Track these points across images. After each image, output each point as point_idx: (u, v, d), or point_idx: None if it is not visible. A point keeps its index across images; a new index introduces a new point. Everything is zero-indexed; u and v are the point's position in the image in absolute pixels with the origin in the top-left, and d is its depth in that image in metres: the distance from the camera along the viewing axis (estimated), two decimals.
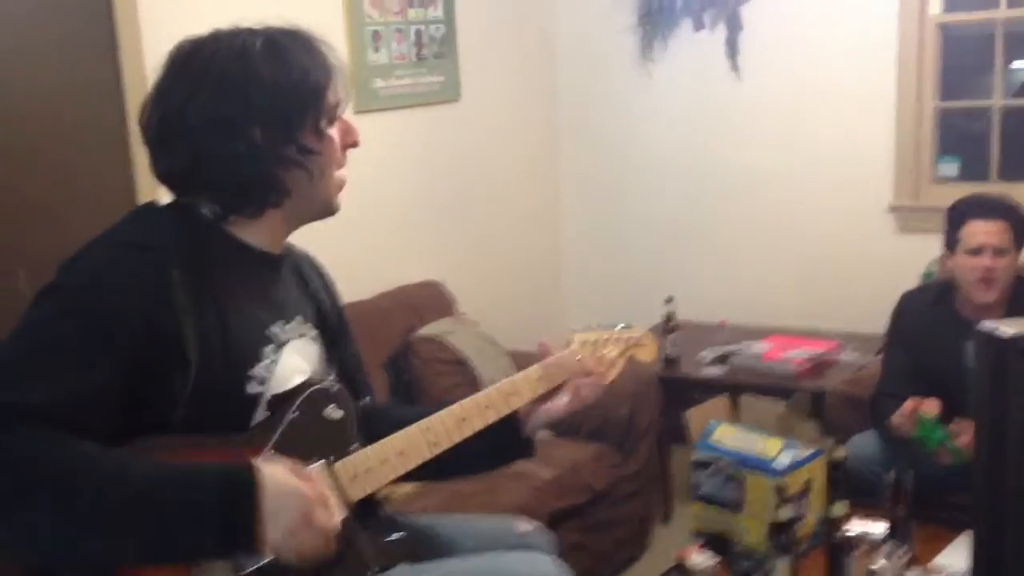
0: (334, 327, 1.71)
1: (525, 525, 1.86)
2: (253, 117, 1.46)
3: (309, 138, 1.50)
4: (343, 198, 1.60)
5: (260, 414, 1.48)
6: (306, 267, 1.73)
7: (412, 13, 3.71)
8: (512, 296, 4.27)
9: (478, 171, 4.12)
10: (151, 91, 1.52)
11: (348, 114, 1.60)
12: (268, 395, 1.49)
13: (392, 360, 3.30)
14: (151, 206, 1.53)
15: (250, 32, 1.51)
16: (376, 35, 3.57)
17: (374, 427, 1.62)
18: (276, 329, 1.54)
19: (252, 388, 1.47)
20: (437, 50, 3.83)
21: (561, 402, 1.74)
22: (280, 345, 1.52)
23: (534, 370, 1.72)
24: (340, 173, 1.58)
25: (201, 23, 1.52)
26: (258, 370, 1.48)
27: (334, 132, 1.55)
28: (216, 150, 1.46)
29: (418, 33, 3.74)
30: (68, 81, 2.70)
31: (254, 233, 1.54)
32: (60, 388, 1.28)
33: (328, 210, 1.59)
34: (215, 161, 1.47)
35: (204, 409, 1.40)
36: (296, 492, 1.34)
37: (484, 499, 2.79)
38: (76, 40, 2.71)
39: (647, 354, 1.89)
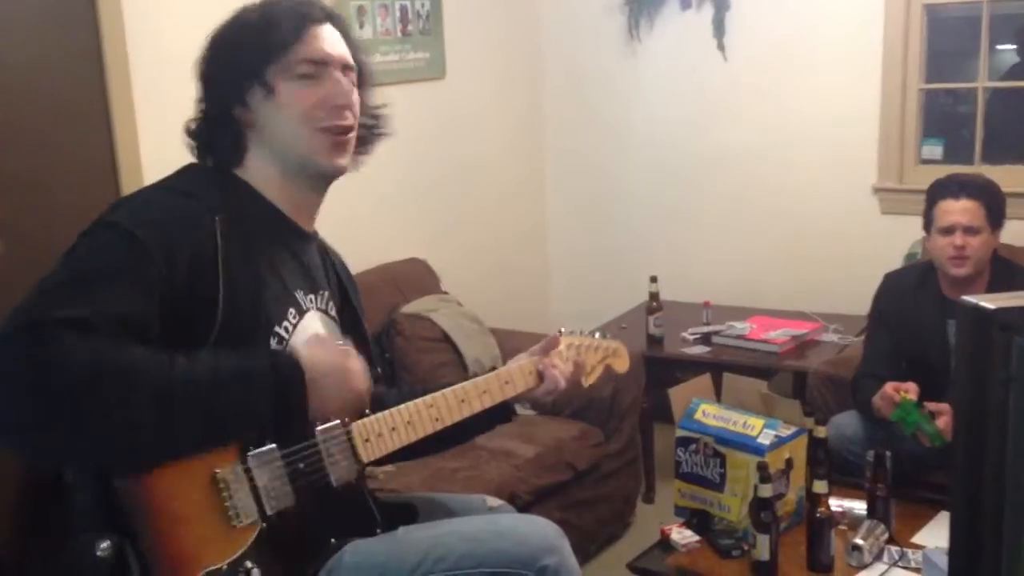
0: (351, 315, 1.80)
1: (494, 501, 1.93)
2: (237, 62, 1.58)
3: (274, 77, 1.58)
4: (345, 161, 1.65)
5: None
6: (333, 257, 1.82)
7: None
8: (496, 274, 4.26)
9: (463, 149, 4.10)
10: None
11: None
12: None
13: (375, 337, 3.29)
14: (196, 165, 1.64)
15: None
16: (361, 10, 3.54)
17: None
18: (301, 295, 1.62)
19: (274, 344, 1.54)
20: (423, 26, 3.80)
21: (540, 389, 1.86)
22: (303, 311, 1.61)
23: (529, 364, 1.84)
24: (323, 126, 1.61)
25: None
26: (282, 329, 1.55)
27: (308, 84, 1.59)
28: (214, 94, 1.60)
29: (403, 9, 3.71)
30: (49, 53, 2.67)
31: (276, 193, 1.62)
32: (108, 309, 1.33)
33: (314, 160, 1.62)
34: (211, 105, 1.61)
35: None
36: (333, 366, 1.50)
37: (467, 475, 2.79)
38: (56, 13, 2.68)
39: (621, 365, 2.05)
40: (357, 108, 1.67)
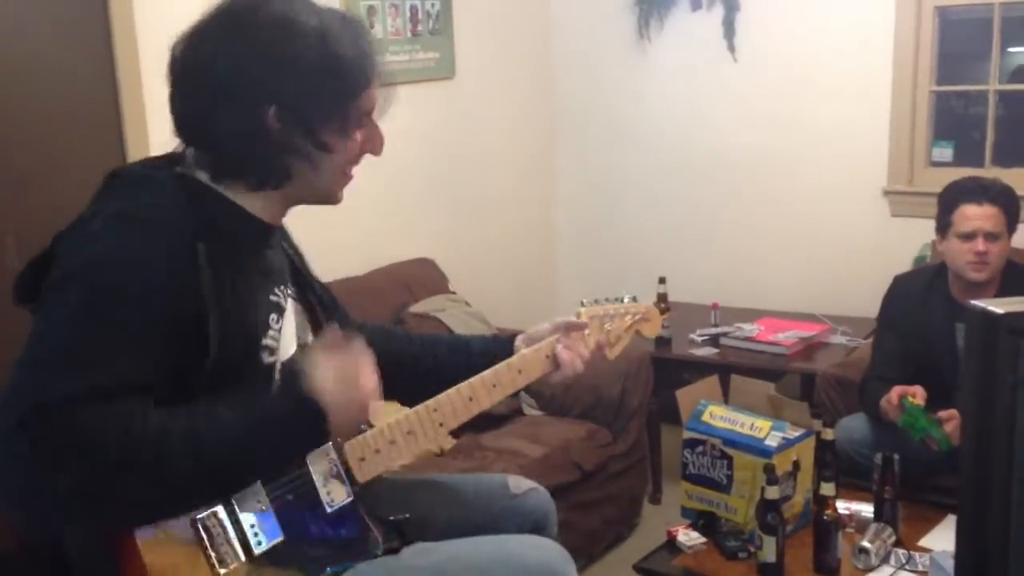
0: (317, 293, 1.68)
1: (524, 483, 1.84)
2: (276, 93, 1.38)
3: (329, 135, 1.44)
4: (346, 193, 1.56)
5: (276, 384, 1.49)
6: (288, 238, 1.71)
7: None
8: (504, 275, 4.27)
9: (472, 149, 4.10)
10: (192, 26, 1.43)
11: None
12: (278, 363, 1.49)
13: None
14: (148, 174, 1.44)
15: (307, 5, 1.44)
16: (371, 10, 3.54)
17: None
18: (277, 295, 1.52)
19: (266, 358, 1.47)
20: (432, 27, 3.81)
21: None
22: (282, 310, 1.52)
23: (546, 347, 1.71)
24: (350, 172, 1.53)
25: (195, 1, 1.49)
26: (269, 340, 1.47)
27: (359, 135, 1.49)
28: (230, 113, 1.38)
29: (413, 9, 3.72)
30: (60, 53, 2.68)
31: (252, 203, 1.48)
32: (109, 376, 1.26)
33: (329, 200, 1.54)
34: (226, 123, 1.39)
35: (224, 384, 1.39)
36: (343, 384, 1.42)
37: None
38: (67, 12, 2.69)
39: (651, 329, 1.88)
40: None
